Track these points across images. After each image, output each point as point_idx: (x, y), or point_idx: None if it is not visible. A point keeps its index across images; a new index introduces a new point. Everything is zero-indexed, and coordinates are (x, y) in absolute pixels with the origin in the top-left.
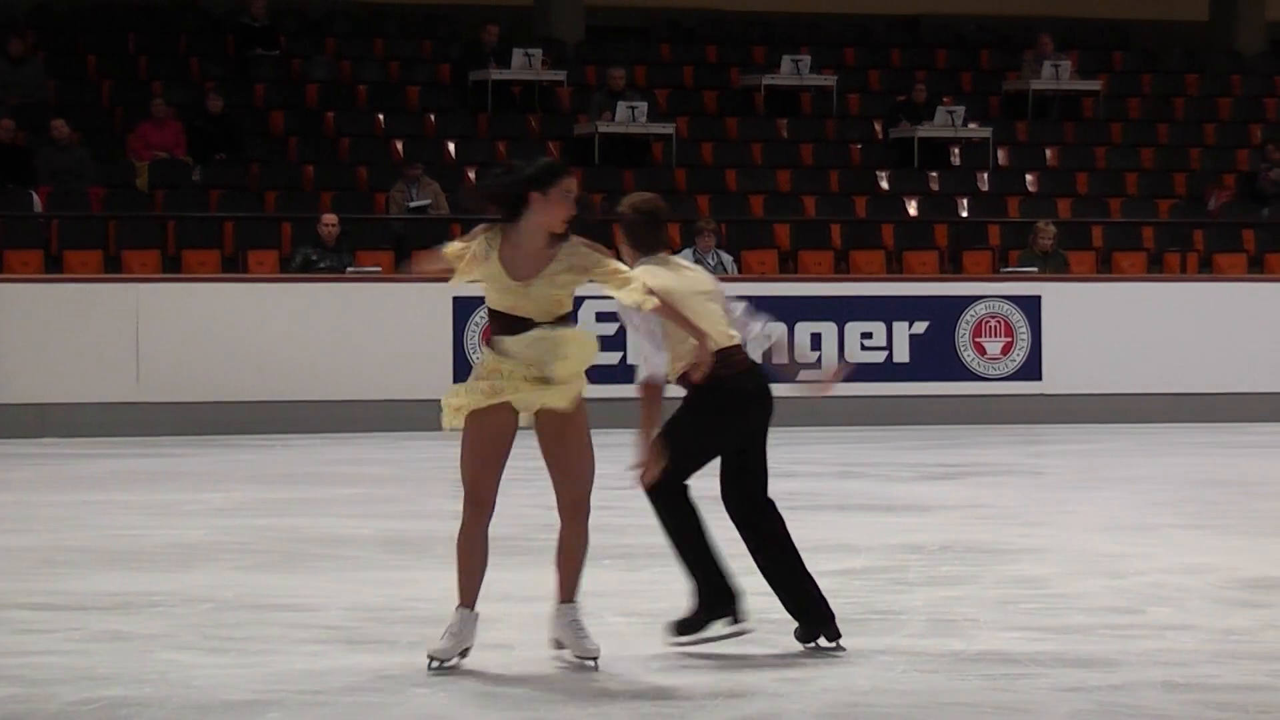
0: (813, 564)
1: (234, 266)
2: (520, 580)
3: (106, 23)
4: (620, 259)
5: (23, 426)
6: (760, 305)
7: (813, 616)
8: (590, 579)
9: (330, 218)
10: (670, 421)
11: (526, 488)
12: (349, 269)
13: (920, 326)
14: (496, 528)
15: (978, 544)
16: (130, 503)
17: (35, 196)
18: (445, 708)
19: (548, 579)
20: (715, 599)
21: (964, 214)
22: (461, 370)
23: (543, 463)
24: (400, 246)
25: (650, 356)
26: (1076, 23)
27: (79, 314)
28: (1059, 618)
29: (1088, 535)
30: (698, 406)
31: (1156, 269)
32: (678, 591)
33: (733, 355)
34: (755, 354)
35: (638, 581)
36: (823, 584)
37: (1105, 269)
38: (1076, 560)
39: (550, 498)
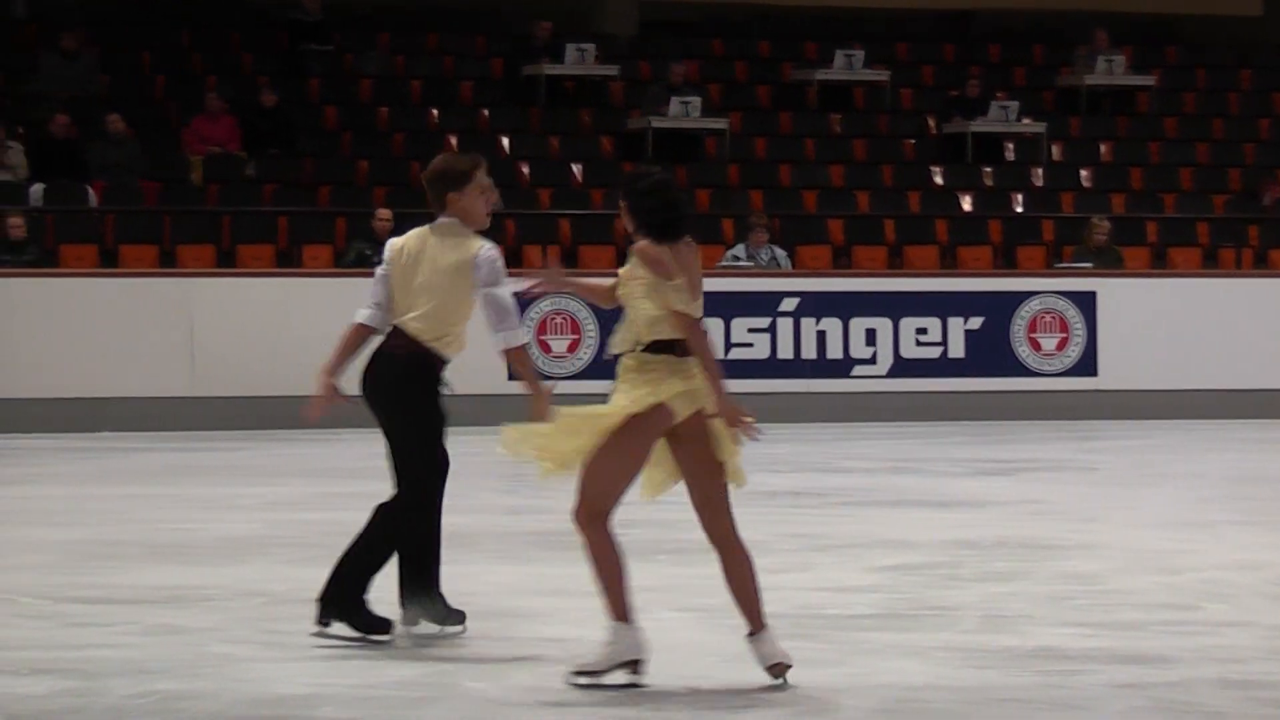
0: (866, 559)
1: (287, 261)
2: (576, 575)
3: (160, 17)
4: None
5: (77, 421)
6: (815, 301)
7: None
8: (643, 574)
9: (384, 213)
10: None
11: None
12: None
13: (975, 322)
14: (552, 523)
15: (1031, 540)
16: (183, 497)
17: (90, 191)
18: (497, 703)
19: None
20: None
21: (1018, 209)
22: None
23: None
24: None
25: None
26: (1128, 17)
27: (133, 309)
28: (1113, 614)
29: (1141, 531)
30: None
31: (1211, 264)
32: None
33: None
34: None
35: (691, 576)
36: (876, 579)
37: (1160, 265)
38: (1130, 556)
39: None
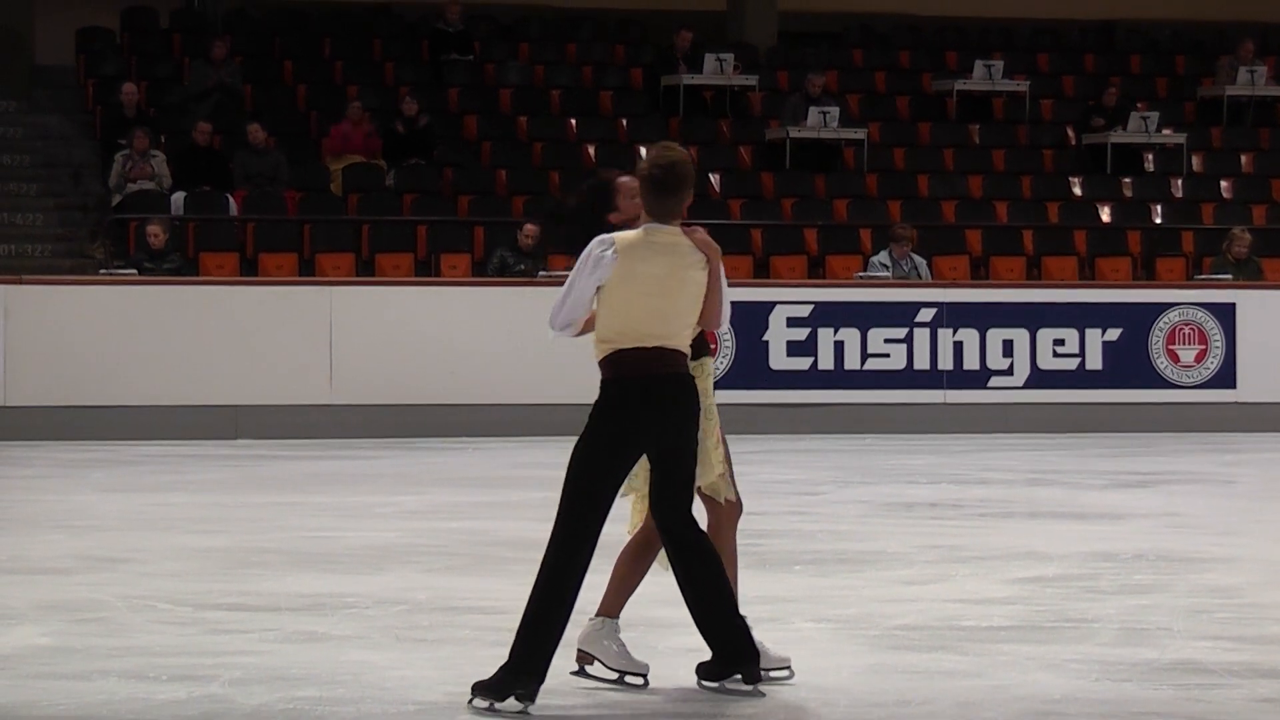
0: (1004, 571)
1: (426, 270)
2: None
3: (302, 27)
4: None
5: (218, 428)
6: (953, 311)
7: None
8: (780, 584)
9: (530, 228)
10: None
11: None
12: (540, 273)
13: (1113, 333)
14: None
15: (1170, 553)
16: (324, 505)
17: (231, 200)
18: (641, 711)
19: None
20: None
21: (1157, 220)
22: None
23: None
24: None
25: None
26: (1271, 28)
27: (273, 317)
28: (1253, 628)
29: None
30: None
31: None
32: (868, 598)
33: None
34: None
35: (828, 587)
36: (1014, 591)
37: None
38: (1270, 570)
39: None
